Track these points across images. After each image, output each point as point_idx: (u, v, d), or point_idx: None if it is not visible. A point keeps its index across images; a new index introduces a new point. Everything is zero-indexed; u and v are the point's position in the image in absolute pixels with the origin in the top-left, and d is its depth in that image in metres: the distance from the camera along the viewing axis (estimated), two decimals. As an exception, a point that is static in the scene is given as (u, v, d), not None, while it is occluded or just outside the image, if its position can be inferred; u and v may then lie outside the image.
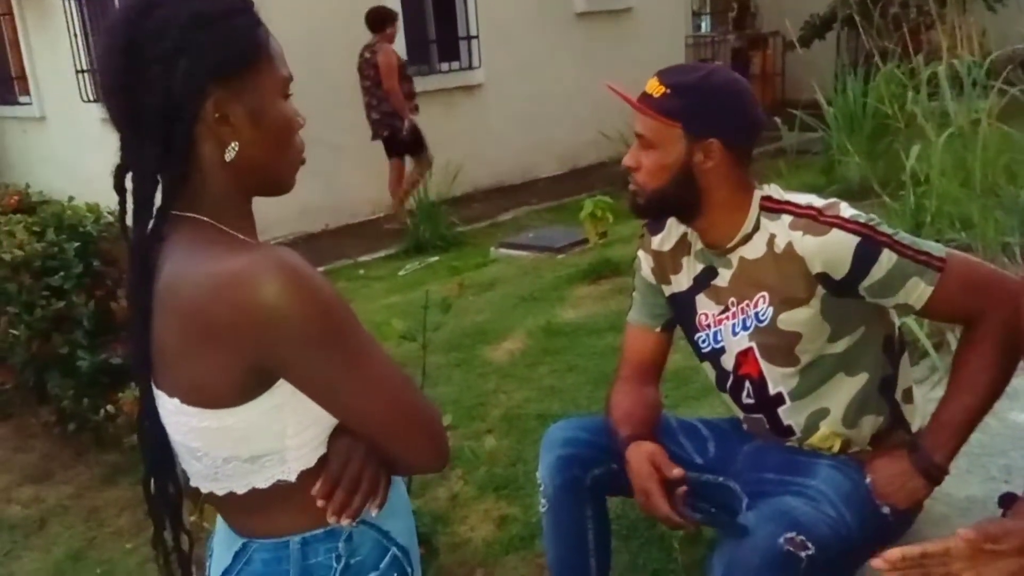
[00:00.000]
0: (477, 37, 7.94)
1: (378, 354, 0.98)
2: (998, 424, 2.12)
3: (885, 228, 1.47)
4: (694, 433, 1.73)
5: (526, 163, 8.22)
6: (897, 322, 1.64)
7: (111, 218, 3.50)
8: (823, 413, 1.58)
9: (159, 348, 0.95)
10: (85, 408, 3.30)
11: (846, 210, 1.49)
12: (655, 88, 1.51)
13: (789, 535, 1.35)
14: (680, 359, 1.86)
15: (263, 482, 0.98)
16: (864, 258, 1.44)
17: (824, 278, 1.47)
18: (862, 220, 1.47)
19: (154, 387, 0.98)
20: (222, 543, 1.08)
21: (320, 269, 5.64)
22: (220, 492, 1.01)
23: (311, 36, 6.57)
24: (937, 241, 1.68)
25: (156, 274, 0.95)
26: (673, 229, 1.69)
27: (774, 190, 1.57)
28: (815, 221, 1.48)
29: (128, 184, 0.97)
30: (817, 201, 1.51)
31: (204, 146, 0.96)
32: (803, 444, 1.61)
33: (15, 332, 3.32)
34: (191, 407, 0.94)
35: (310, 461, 0.98)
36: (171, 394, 0.96)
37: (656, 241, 1.72)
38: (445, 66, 7.90)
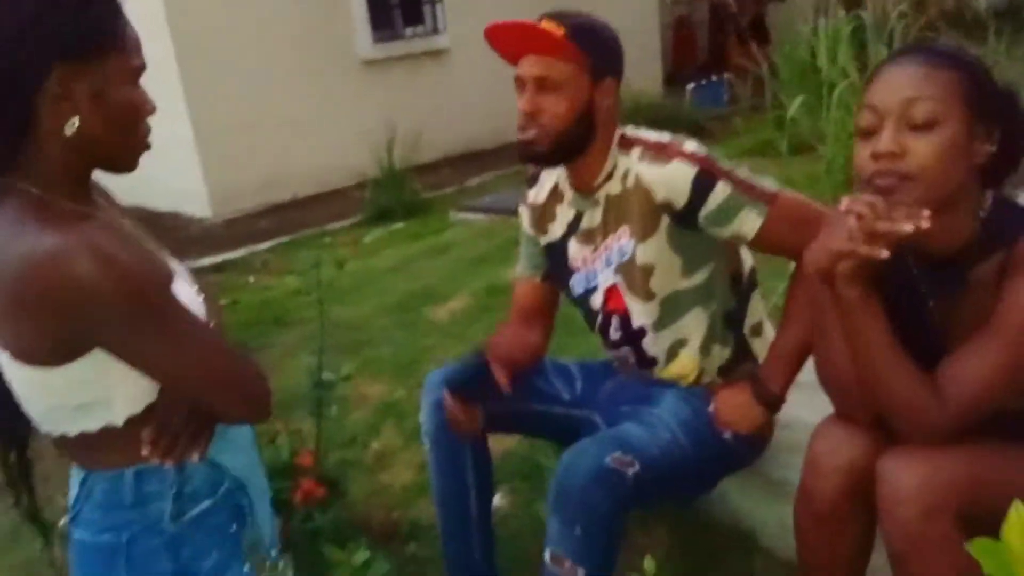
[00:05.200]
0: (442, 1, 7.95)
1: (188, 325, 1.06)
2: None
3: (723, 163, 1.58)
4: (564, 373, 1.85)
5: (496, 128, 8.22)
6: (748, 260, 1.75)
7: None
8: (682, 343, 1.70)
9: None
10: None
11: (690, 145, 1.59)
12: (554, 28, 1.55)
13: (615, 454, 1.48)
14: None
15: (92, 426, 1.08)
16: (701, 188, 1.55)
17: (667, 207, 1.58)
18: (701, 154, 1.57)
19: None
20: (73, 475, 1.18)
21: (286, 238, 5.70)
22: (54, 433, 1.11)
23: (272, 19, 6.66)
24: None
25: None
26: (546, 182, 1.79)
27: (628, 129, 1.67)
28: (659, 153, 1.59)
29: None
30: (664, 137, 1.62)
31: (44, 118, 1.02)
32: (663, 373, 1.73)
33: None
34: (16, 362, 1.03)
35: (137, 408, 1.08)
36: (3, 347, 1.03)
37: (531, 195, 1.83)
38: (409, 31, 7.90)
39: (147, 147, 1.12)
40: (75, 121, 1.02)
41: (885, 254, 1.17)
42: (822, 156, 4.20)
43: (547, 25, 1.57)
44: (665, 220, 1.59)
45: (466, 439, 1.76)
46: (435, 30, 8.02)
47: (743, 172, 1.58)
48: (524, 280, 1.88)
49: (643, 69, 8.46)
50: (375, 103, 7.28)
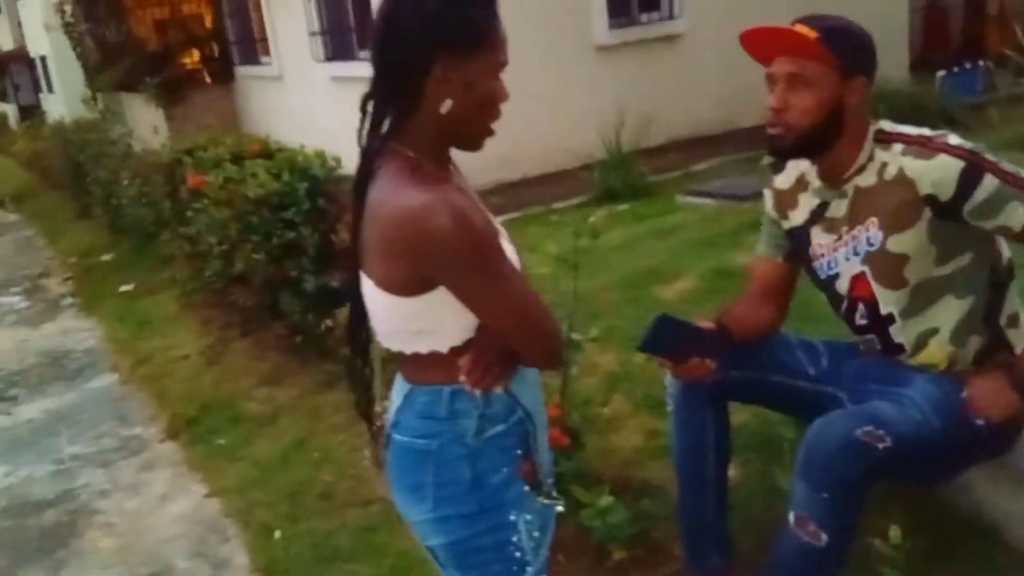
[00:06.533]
0: (680, -13, 7.95)
1: (512, 279, 1.26)
2: None
3: (989, 156, 1.59)
4: (810, 349, 1.91)
5: (727, 113, 8.14)
6: (1007, 252, 1.73)
7: (335, 164, 4.05)
8: (932, 332, 1.72)
9: (364, 242, 1.28)
10: (310, 323, 3.88)
11: (954, 139, 1.62)
12: (807, 31, 1.65)
13: (867, 428, 1.53)
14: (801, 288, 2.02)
15: (423, 349, 1.31)
16: (968, 181, 1.57)
17: (931, 200, 1.61)
18: (967, 148, 1.60)
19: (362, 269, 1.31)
20: (397, 389, 1.42)
21: (515, 214, 6.03)
22: (394, 349, 1.35)
23: (516, 5, 6.93)
24: None
25: (370, 184, 1.26)
26: (791, 170, 1.86)
27: (886, 124, 1.71)
28: (924, 147, 1.62)
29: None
30: (927, 131, 1.65)
31: (428, 97, 1.24)
32: (911, 361, 1.75)
33: (256, 257, 3.95)
34: (379, 289, 1.27)
35: (460, 341, 1.30)
36: (369, 277, 1.29)
37: (778, 180, 1.90)
38: (645, 17, 7.98)
39: (493, 133, 1.31)
40: (448, 103, 1.24)
41: None
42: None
43: (800, 29, 1.64)
44: (927, 213, 1.62)
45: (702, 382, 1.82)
46: (671, 15, 8.04)
47: (1010, 166, 1.58)
48: (765, 259, 1.95)
49: (887, 54, 7.95)
50: (607, 87, 7.43)
